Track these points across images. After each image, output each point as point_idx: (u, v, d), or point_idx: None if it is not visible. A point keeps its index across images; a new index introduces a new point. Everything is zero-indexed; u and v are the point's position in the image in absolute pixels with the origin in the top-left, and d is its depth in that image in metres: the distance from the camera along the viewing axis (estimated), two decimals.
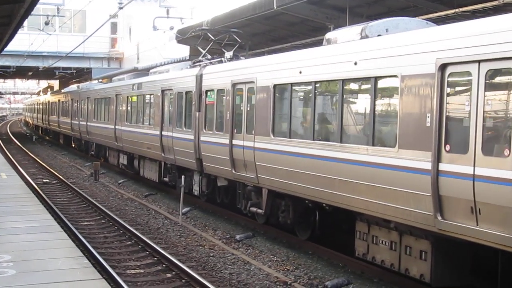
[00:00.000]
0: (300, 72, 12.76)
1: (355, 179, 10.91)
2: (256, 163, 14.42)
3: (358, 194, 10.85)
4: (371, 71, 10.65)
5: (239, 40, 20.75)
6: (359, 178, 10.78)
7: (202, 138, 17.80)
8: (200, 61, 19.96)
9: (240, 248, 14.47)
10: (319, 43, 14.58)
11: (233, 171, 15.72)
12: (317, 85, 12.43)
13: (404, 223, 9.99)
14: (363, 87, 11.19)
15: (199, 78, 18.22)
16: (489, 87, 8.34)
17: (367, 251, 11.31)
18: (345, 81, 11.46)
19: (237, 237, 15.38)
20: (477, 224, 8.42)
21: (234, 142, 15.66)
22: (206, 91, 17.86)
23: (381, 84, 10.63)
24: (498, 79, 8.33)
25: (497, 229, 8.11)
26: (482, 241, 8.41)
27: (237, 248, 14.39)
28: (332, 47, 12.29)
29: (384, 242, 10.82)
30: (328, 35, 13.09)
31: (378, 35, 11.38)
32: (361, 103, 11.37)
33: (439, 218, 9.04)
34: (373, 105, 10.67)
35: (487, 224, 8.27)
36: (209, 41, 21.38)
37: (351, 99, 11.71)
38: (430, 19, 13.53)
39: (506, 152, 7.98)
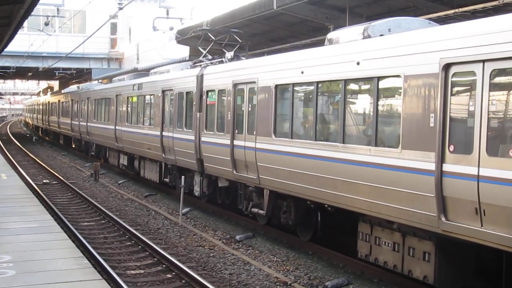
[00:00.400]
0: (302, 72, 12.69)
1: (357, 179, 10.84)
2: (258, 163, 14.35)
3: (361, 195, 10.78)
4: (373, 71, 10.59)
5: (240, 40, 20.69)
6: (362, 179, 10.72)
7: (203, 139, 17.74)
8: (200, 61, 19.90)
9: (240, 248, 14.41)
10: (319, 43, 14.55)
11: (234, 171, 15.66)
12: (319, 85, 12.36)
13: (407, 224, 9.92)
14: (366, 87, 11.13)
15: (200, 79, 18.17)
16: (494, 87, 8.27)
17: (370, 252, 11.25)
18: (347, 81, 11.40)
19: (237, 237, 15.32)
20: (482, 225, 8.35)
21: (235, 142, 15.59)
22: (207, 92, 17.80)
23: (384, 84, 10.57)
24: (503, 79, 8.26)
25: (502, 230, 8.05)
26: (487, 243, 8.34)
27: (237, 249, 14.34)
28: (334, 47, 12.23)
29: (387, 243, 10.75)
30: (330, 35, 13.03)
31: (381, 35, 11.32)
32: (364, 103, 11.32)
33: (443, 219, 8.98)
34: (376, 105, 10.60)
35: (491, 225, 8.20)
36: (209, 42, 21.34)
37: (353, 99, 11.65)
38: (430, 19, 13.47)
39: (511, 152, 7.91)
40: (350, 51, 11.36)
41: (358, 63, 10.95)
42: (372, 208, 10.55)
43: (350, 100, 11.60)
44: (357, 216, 11.54)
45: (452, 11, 16.12)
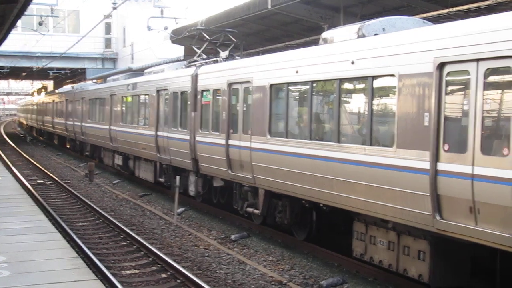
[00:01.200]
0: (297, 72, 12.69)
1: (353, 179, 10.84)
2: (253, 163, 14.35)
3: (356, 194, 10.79)
4: (368, 70, 10.59)
5: (234, 40, 20.68)
6: (357, 178, 10.72)
7: (198, 139, 17.73)
8: (195, 61, 19.89)
9: (235, 248, 14.41)
10: (313, 42, 14.56)
11: (230, 171, 15.65)
12: (314, 85, 12.36)
13: (402, 223, 9.93)
14: (361, 86, 11.13)
15: (195, 78, 18.15)
16: (488, 86, 8.29)
17: (365, 252, 11.26)
18: (342, 81, 11.40)
19: (232, 237, 15.32)
20: (476, 224, 8.37)
21: (231, 142, 15.59)
22: (202, 91, 17.78)
23: (378, 83, 10.58)
24: (496, 78, 8.27)
25: (496, 229, 8.06)
26: (482, 241, 8.35)
27: (232, 248, 14.33)
28: (329, 46, 12.23)
29: (382, 243, 10.77)
30: (325, 35, 13.03)
31: (375, 34, 11.33)
32: (359, 103, 11.31)
33: (438, 218, 8.99)
34: (371, 105, 10.61)
35: (486, 224, 8.21)
36: (204, 41, 21.33)
37: (348, 99, 11.65)
38: (424, 19, 13.51)
39: (505, 151, 7.93)
40: (344, 51, 11.36)
41: (352, 63, 10.96)
42: (368, 207, 10.55)
43: (345, 99, 11.61)
44: (352, 216, 11.54)
45: (446, 10, 16.17)
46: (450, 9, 15.99)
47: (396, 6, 18.44)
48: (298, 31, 23.02)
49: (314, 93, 12.42)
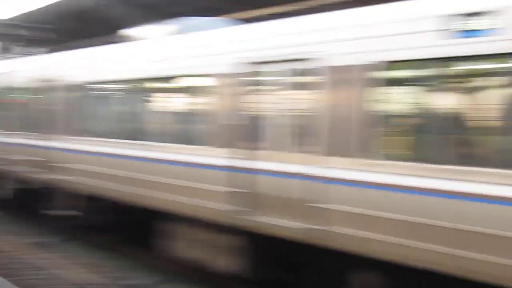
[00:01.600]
0: (108, 70, 12.48)
1: (168, 178, 10.82)
2: (67, 165, 13.91)
3: (176, 194, 10.72)
4: (181, 69, 10.63)
5: (50, 36, 20.06)
6: (172, 178, 10.72)
7: (7, 140, 16.85)
8: (4, 57, 18.99)
9: (50, 252, 13.94)
10: (127, 40, 14.43)
11: (43, 174, 15.04)
12: (126, 84, 12.16)
13: (218, 221, 10.03)
14: (172, 85, 11.10)
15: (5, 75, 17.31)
16: (292, 86, 8.62)
17: (180, 251, 11.28)
18: (154, 80, 11.34)
19: (48, 241, 14.85)
20: (289, 220, 8.64)
21: (42, 143, 15.01)
22: (13, 89, 16.98)
23: (194, 82, 10.57)
24: (299, 79, 8.60)
25: (307, 224, 8.37)
26: (292, 236, 8.66)
27: (48, 253, 13.86)
28: (141, 43, 12.16)
29: (196, 241, 10.85)
30: (133, 32, 12.87)
31: (186, 33, 11.37)
32: (170, 102, 11.26)
33: (251, 214, 9.21)
34: (185, 104, 10.65)
35: (294, 219, 8.53)
36: (18, 37, 20.48)
37: (160, 98, 11.55)
38: (240, 20, 13.86)
39: (309, 148, 8.31)
40: (157, 49, 11.36)
41: (165, 61, 10.95)
42: (182, 206, 10.58)
43: (158, 98, 11.51)
44: (169, 215, 11.50)
45: (267, 11, 16.69)
46: (263, 12, 16.51)
47: (210, 7, 18.76)
48: (117, 26, 22.76)
49: (127, 92, 12.23)
